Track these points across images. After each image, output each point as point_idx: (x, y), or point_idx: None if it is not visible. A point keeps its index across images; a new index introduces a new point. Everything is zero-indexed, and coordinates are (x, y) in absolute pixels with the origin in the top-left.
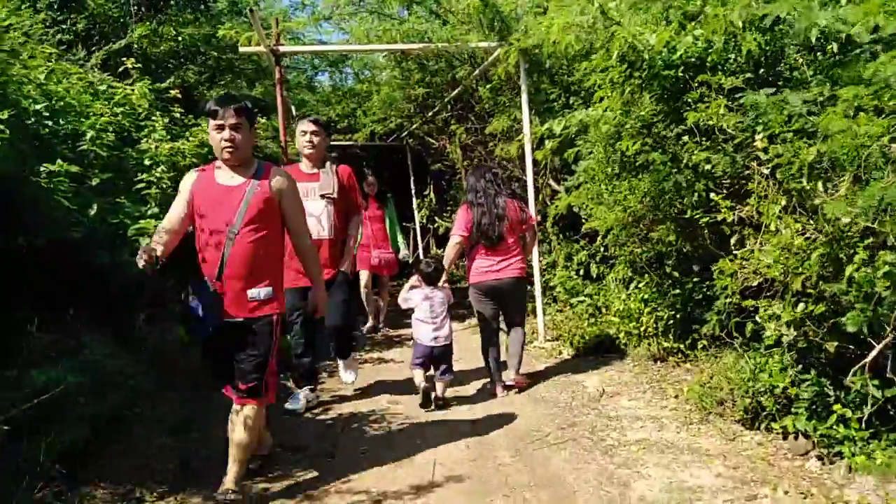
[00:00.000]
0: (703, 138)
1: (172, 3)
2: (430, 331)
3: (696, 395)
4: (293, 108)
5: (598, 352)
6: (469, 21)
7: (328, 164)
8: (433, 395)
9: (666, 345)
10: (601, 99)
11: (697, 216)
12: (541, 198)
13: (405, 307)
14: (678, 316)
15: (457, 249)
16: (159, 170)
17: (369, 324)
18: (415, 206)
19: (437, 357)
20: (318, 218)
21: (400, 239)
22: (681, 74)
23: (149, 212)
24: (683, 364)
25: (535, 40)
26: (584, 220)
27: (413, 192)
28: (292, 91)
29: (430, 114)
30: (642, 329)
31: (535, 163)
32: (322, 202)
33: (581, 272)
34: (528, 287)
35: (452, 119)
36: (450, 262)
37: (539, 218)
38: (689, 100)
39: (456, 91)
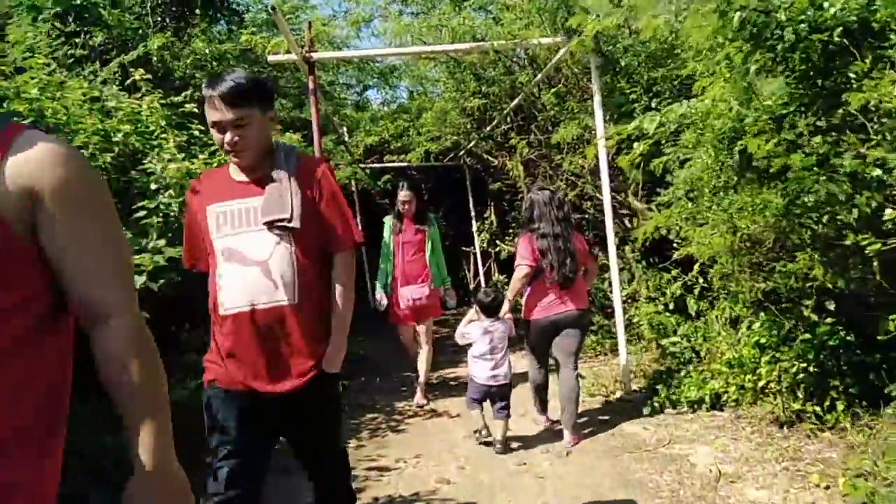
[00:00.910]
0: (873, 130)
1: (201, 13)
2: (488, 368)
3: (859, 491)
4: (344, 128)
5: (700, 408)
6: (528, 16)
7: (280, 156)
8: (493, 441)
9: (795, 406)
10: (703, 90)
11: (865, 241)
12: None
13: (463, 343)
14: (810, 368)
15: (524, 281)
16: (167, 195)
17: (417, 398)
18: (474, 229)
19: (494, 395)
20: (265, 266)
21: (445, 276)
22: (837, 39)
23: (149, 245)
24: (821, 433)
25: (615, 20)
26: (675, 245)
27: (472, 214)
28: (338, 109)
29: (487, 128)
30: (760, 384)
31: (612, 176)
32: (270, 236)
33: (671, 306)
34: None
35: (512, 132)
36: (515, 293)
37: (616, 241)
38: (853, 74)
39: (515, 101)
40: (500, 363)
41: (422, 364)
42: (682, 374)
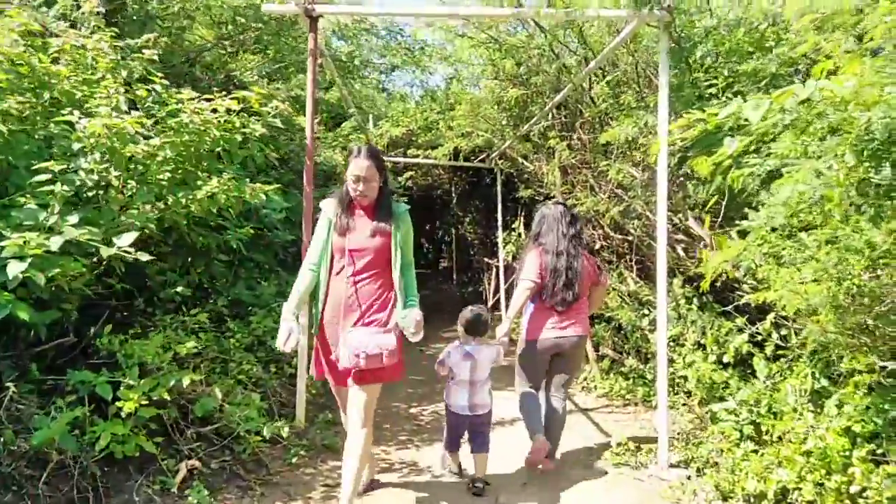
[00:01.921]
0: None
1: None
2: (466, 397)
3: None
4: (371, 115)
5: (760, 503)
6: None
7: None
8: (469, 480)
9: None
10: (828, 74)
11: None
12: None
13: (443, 374)
14: None
15: (526, 297)
16: (90, 160)
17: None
18: (500, 239)
19: (474, 426)
20: None
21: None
22: None
23: (47, 221)
24: None
25: None
26: (738, 286)
27: (499, 223)
28: (353, 89)
29: (524, 127)
30: (852, 488)
31: (669, 192)
32: None
33: (724, 360)
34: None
35: (552, 132)
36: (517, 311)
37: (675, 281)
38: None
39: (561, 94)
40: (479, 389)
41: (350, 469)
42: (739, 455)
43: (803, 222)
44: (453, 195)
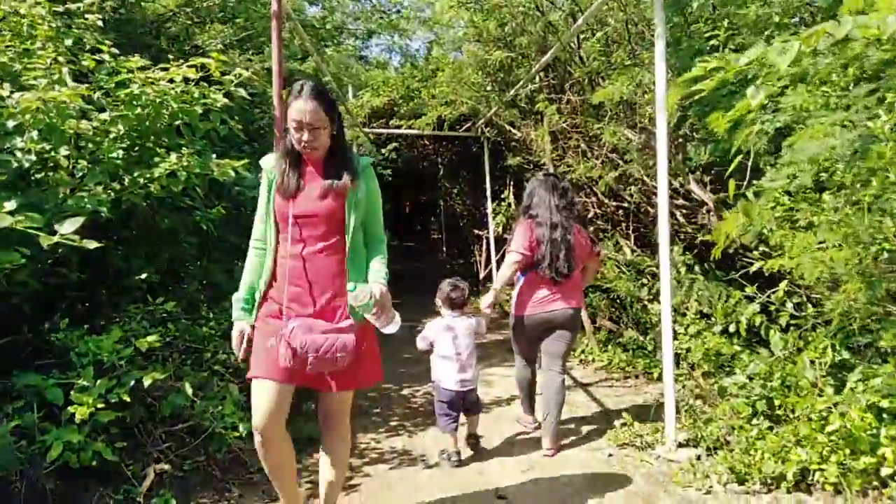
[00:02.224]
0: None
1: None
2: (455, 371)
3: None
4: (349, 86)
5: (779, 487)
6: None
7: None
8: (464, 435)
9: None
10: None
11: None
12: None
13: (423, 347)
14: None
15: (514, 270)
16: (26, 139)
17: None
18: (489, 210)
19: (467, 402)
20: None
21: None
22: None
23: None
24: None
25: None
26: (746, 252)
27: (488, 193)
28: (325, 53)
29: (510, 92)
30: (883, 471)
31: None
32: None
33: (732, 330)
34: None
35: (540, 95)
36: (503, 282)
37: (676, 248)
38: None
39: (548, 55)
40: (467, 364)
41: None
42: (753, 433)
43: (821, 183)
44: (440, 167)
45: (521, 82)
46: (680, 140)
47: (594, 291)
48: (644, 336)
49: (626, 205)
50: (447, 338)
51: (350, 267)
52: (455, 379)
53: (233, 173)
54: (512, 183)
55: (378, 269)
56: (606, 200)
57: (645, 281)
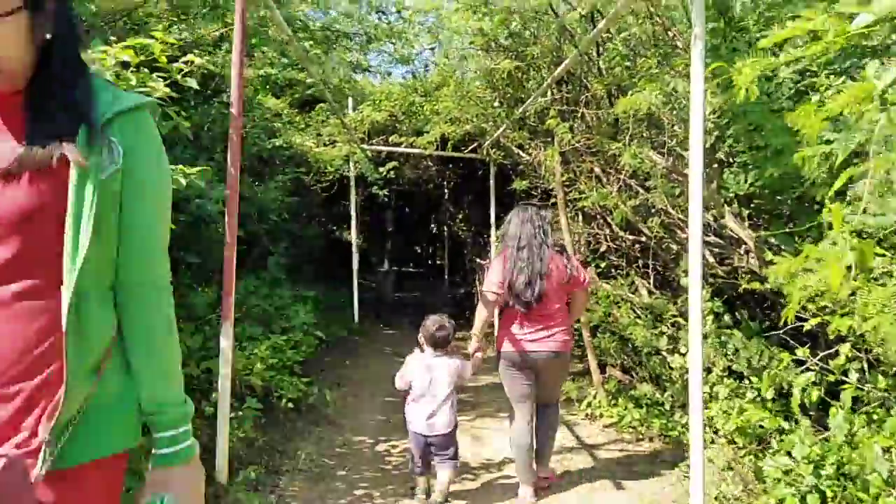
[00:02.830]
0: None
1: None
2: (424, 415)
3: None
4: (349, 98)
5: None
6: None
7: None
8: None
9: None
10: None
11: None
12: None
13: (401, 387)
14: None
15: (490, 310)
16: None
17: None
18: (492, 237)
19: (434, 447)
20: None
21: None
22: None
23: None
24: None
25: None
26: (788, 304)
27: (492, 220)
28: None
29: (520, 109)
30: None
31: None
32: None
33: (769, 395)
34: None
35: (553, 110)
36: (482, 325)
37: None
38: None
39: (562, 67)
40: (438, 409)
41: None
42: None
43: None
44: (445, 190)
45: (531, 98)
46: (715, 165)
47: (604, 333)
48: (661, 391)
49: (643, 239)
50: (425, 378)
51: (73, 342)
52: (423, 424)
53: (183, 181)
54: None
55: (162, 386)
56: (622, 233)
57: (664, 329)
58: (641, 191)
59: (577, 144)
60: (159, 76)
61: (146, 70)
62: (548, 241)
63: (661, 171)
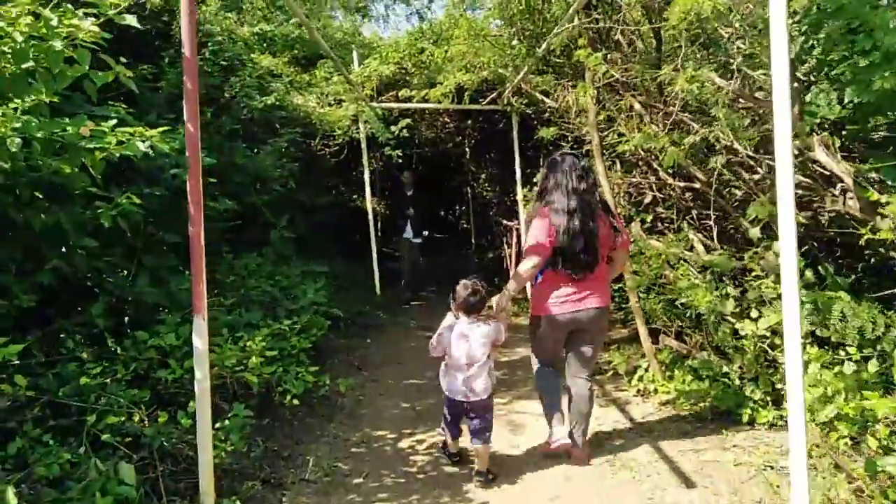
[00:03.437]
0: None
1: None
2: (461, 380)
3: None
4: (354, 52)
5: None
6: None
7: None
8: (473, 468)
9: None
10: None
11: None
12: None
13: (435, 354)
14: None
15: (534, 272)
16: None
17: None
18: (519, 197)
19: (470, 414)
20: None
21: None
22: None
23: None
24: None
25: None
26: None
27: (518, 177)
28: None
29: (542, 46)
30: None
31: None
32: None
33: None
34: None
35: (583, 38)
36: (521, 284)
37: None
38: None
39: None
40: (476, 374)
41: None
42: None
43: None
44: (466, 149)
45: (556, 28)
46: (796, 84)
47: (653, 296)
48: (726, 361)
49: (696, 186)
50: (461, 347)
51: None
52: (461, 390)
53: (142, 147)
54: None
55: None
56: (670, 180)
57: (729, 290)
58: (695, 127)
59: (612, 79)
60: (87, 13)
61: (69, 5)
62: (595, 197)
63: (724, 98)
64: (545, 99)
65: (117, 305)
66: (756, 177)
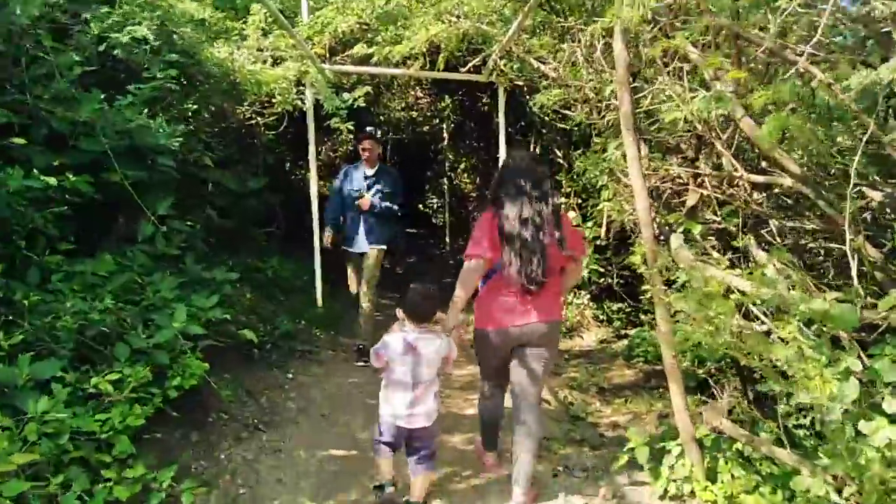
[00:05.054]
0: None
1: None
2: (405, 403)
3: None
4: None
5: None
6: None
7: None
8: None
9: None
10: None
11: None
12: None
13: (378, 365)
14: None
15: (475, 278)
16: None
17: None
18: None
19: (411, 440)
20: None
21: None
22: None
23: None
24: None
25: None
26: None
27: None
28: None
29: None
30: None
31: None
32: None
33: None
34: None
35: None
36: (466, 294)
37: None
38: None
39: None
40: (422, 397)
41: None
42: None
43: None
44: (444, 134)
45: None
46: None
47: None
48: (824, 474)
49: (788, 182)
50: (406, 361)
51: None
52: (403, 413)
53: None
54: (536, 142)
55: None
56: (741, 170)
57: (850, 362)
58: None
59: (643, 24)
60: None
61: None
62: (549, 203)
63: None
64: (542, 66)
65: None
66: None
